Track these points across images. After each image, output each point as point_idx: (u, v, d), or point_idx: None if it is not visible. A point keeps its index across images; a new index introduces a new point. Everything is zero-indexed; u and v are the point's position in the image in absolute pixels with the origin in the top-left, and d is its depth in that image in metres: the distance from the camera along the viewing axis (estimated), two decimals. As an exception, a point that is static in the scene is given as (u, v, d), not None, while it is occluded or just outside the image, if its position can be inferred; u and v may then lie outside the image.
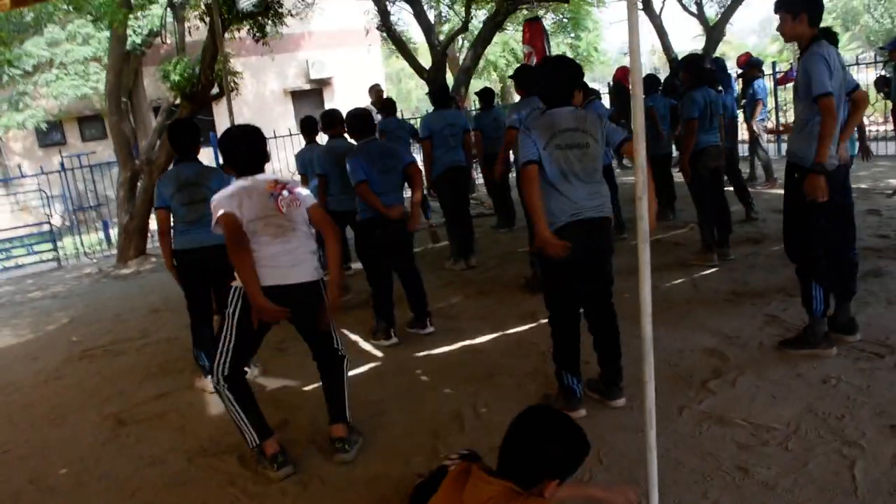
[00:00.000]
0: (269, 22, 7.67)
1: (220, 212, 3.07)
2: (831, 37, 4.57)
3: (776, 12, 3.65)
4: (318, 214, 3.32)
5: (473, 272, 6.68)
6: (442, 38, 12.54)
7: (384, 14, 11.25)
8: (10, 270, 10.46)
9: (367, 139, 4.94)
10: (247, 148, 3.24)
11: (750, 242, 6.41)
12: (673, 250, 6.48)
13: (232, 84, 8.73)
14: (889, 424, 3.05)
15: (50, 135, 16.98)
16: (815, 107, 3.47)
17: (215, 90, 8.10)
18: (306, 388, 4.32)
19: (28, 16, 12.10)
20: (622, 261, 6.25)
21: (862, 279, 4.90)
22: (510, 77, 6.49)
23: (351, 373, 4.48)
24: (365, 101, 10.23)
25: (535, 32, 10.76)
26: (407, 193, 5.14)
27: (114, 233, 10.42)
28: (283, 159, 11.30)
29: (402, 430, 3.61)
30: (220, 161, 6.37)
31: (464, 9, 12.36)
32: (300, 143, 10.94)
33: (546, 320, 3.66)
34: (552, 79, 3.39)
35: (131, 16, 9.29)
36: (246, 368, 4.64)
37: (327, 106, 21.18)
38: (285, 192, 3.18)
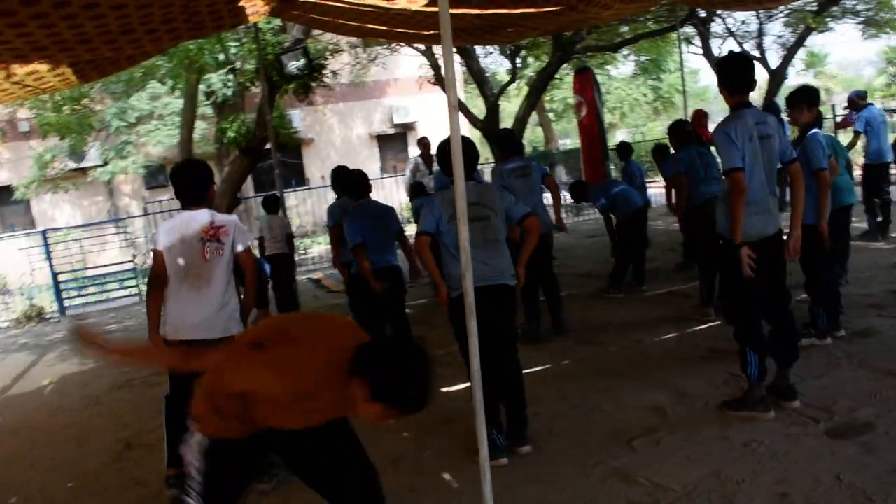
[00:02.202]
0: (315, 83, 8.36)
1: (153, 249, 3.62)
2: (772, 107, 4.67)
3: None
4: (243, 257, 3.70)
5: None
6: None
7: (436, 67, 11.86)
8: (101, 303, 11.65)
9: (362, 200, 5.38)
10: (183, 180, 3.65)
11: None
12: (680, 303, 6.51)
13: (287, 138, 9.55)
14: (781, 493, 3.11)
15: (155, 177, 18.69)
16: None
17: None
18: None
19: (137, 73, 13.48)
20: (620, 315, 6.43)
21: (848, 339, 4.88)
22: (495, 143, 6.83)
23: (331, 412, 4.94)
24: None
25: (584, 82, 11.01)
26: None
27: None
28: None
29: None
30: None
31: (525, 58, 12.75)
32: (387, 185, 11.61)
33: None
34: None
35: (221, 70, 10.38)
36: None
37: (410, 149, 22.10)
38: (213, 242, 3.57)
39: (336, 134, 21.69)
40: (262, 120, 8.42)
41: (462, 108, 12.32)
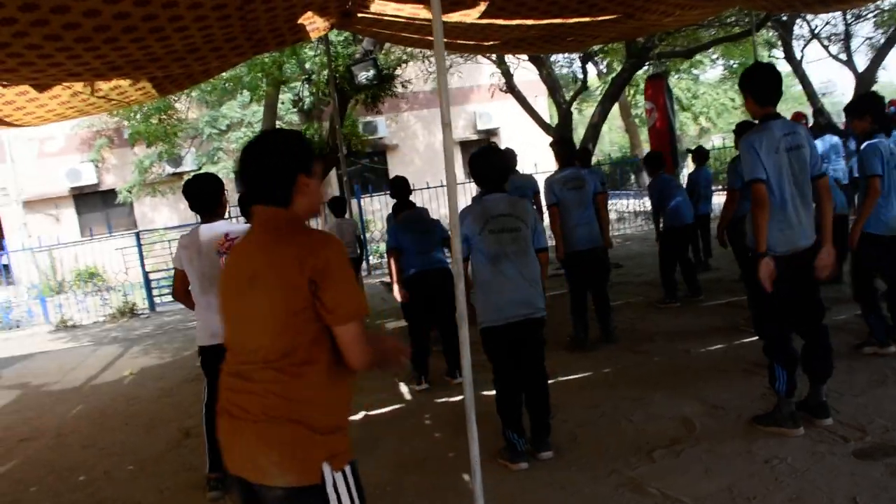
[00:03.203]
0: (384, 93, 8.67)
1: (174, 267, 3.96)
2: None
3: None
4: None
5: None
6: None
7: (507, 75, 11.97)
8: (188, 300, 12.39)
9: (408, 209, 5.62)
10: (195, 194, 3.86)
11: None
12: (735, 314, 6.36)
13: (359, 145, 9.92)
14: (790, 510, 3.08)
15: (245, 182, 19.63)
16: None
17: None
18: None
19: (222, 84, 14.25)
20: (671, 324, 6.35)
21: (898, 357, 4.69)
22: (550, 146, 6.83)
23: (374, 412, 5.17)
24: (528, 150, 10.95)
25: (657, 89, 10.87)
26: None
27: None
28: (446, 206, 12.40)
29: (370, 465, 4.05)
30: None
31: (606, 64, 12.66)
32: (468, 190, 11.96)
33: (560, 378, 4.07)
34: (485, 168, 3.84)
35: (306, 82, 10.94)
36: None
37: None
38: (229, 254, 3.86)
39: (420, 140, 22.12)
40: (333, 128, 8.80)
41: (533, 115, 12.41)
